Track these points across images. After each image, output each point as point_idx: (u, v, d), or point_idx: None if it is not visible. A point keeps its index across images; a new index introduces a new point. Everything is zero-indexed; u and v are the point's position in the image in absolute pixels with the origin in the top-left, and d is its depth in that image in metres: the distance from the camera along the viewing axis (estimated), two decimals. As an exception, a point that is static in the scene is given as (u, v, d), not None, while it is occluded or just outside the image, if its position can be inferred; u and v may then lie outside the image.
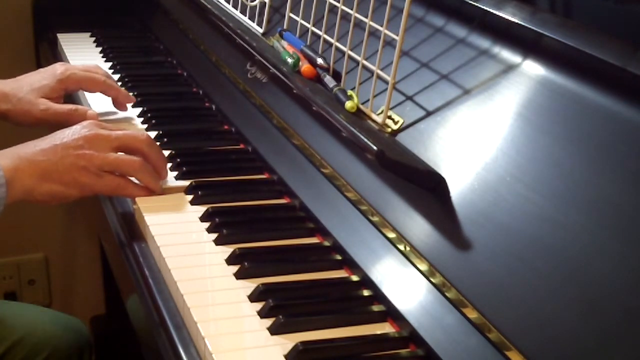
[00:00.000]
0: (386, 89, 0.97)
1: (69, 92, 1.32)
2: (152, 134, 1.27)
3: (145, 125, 1.31)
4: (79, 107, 1.26)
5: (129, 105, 1.34)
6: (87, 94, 1.37)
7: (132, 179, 1.08)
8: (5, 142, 1.07)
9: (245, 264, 0.92)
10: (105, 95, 1.32)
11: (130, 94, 1.35)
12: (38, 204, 1.05)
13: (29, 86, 1.27)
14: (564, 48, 0.85)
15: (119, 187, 1.06)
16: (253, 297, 0.88)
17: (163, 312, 0.89)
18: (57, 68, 1.30)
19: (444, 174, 0.88)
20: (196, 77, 1.49)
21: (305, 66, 1.11)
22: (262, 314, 0.85)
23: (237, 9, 1.40)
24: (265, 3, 1.32)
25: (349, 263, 0.94)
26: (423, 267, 0.85)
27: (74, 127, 1.08)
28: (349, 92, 1.04)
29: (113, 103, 1.33)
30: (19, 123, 1.27)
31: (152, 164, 1.09)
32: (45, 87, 1.27)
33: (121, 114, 1.34)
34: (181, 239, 1.00)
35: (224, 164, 1.19)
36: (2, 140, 1.15)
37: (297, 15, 1.21)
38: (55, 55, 1.70)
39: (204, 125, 1.34)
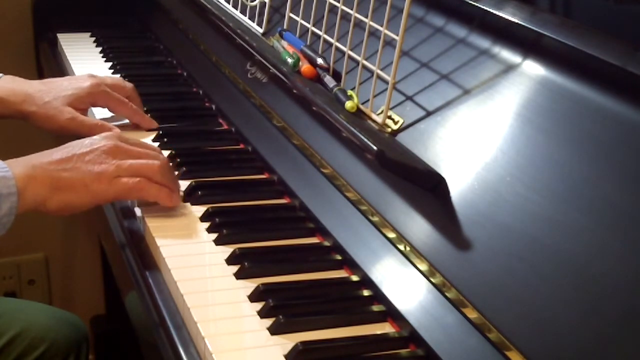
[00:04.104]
0: (386, 89, 0.97)
1: (95, 106, 1.31)
2: (152, 134, 1.27)
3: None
4: (105, 123, 1.24)
5: None
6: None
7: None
8: (8, 143, 1.07)
9: (245, 264, 0.92)
10: (129, 120, 1.31)
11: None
12: (49, 215, 1.02)
13: (57, 92, 1.25)
14: (564, 48, 0.85)
15: (135, 188, 1.02)
16: (253, 297, 0.88)
17: (163, 312, 0.89)
18: (89, 80, 1.28)
19: (444, 174, 0.88)
20: (196, 77, 1.49)
21: (305, 66, 1.11)
22: (262, 314, 0.85)
23: (237, 9, 1.40)
24: (265, 3, 1.32)
25: (349, 263, 0.94)
26: (423, 267, 0.85)
27: (94, 137, 1.05)
28: (349, 92, 1.04)
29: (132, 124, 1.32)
30: (41, 127, 1.25)
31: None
32: (73, 97, 1.25)
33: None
34: (181, 239, 1.00)
35: (224, 164, 1.19)
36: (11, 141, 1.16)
37: (297, 15, 1.21)
38: (55, 55, 1.70)
39: (204, 125, 1.34)
